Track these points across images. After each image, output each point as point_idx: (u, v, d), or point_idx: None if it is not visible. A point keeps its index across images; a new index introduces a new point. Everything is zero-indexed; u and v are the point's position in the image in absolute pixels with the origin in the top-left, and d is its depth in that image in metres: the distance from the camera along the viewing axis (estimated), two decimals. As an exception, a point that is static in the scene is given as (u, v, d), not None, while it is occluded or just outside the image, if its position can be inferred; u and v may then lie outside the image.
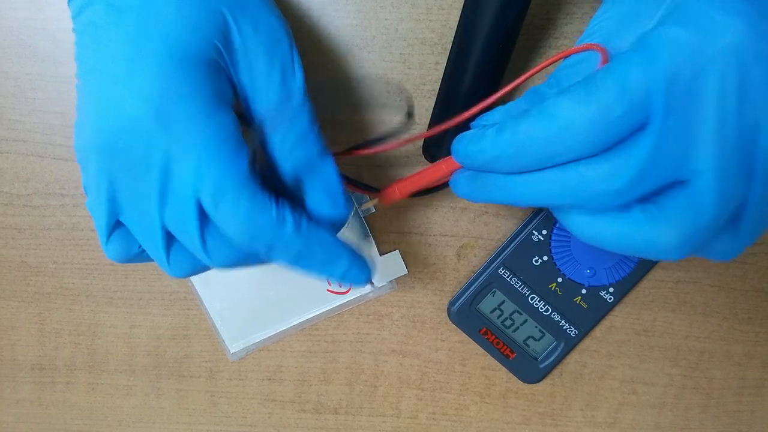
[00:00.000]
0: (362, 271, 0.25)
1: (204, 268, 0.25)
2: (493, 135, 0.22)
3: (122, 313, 0.36)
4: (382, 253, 0.35)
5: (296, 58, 0.26)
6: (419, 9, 0.32)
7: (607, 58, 0.22)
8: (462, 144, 0.24)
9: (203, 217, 0.23)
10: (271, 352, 0.37)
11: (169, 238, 0.24)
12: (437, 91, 0.32)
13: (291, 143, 0.25)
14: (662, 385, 0.36)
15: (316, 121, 0.26)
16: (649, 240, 0.21)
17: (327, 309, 0.35)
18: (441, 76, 0.32)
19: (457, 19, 0.30)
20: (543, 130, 0.20)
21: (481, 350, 0.35)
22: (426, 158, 0.33)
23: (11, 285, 0.36)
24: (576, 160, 0.21)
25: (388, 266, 0.35)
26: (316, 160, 0.25)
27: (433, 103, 0.32)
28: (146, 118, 0.22)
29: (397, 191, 0.28)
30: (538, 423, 0.37)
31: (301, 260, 0.24)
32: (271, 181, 0.26)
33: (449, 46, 0.31)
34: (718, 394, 0.36)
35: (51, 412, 0.38)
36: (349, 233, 0.34)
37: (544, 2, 0.31)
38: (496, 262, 0.34)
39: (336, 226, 0.26)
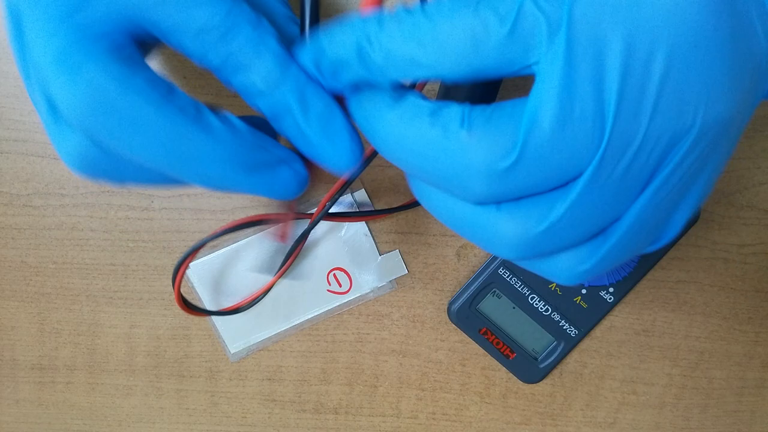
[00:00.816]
0: (291, 178, 0.19)
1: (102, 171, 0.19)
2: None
3: (122, 313, 0.36)
4: (382, 253, 0.35)
5: None
6: (419, 9, 0.32)
7: None
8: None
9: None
10: (271, 352, 0.37)
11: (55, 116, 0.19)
12: (437, 90, 0.32)
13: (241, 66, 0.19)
14: (662, 385, 0.36)
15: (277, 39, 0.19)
16: (489, 227, 0.18)
17: (327, 309, 0.35)
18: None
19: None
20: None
21: (481, 350, 0.35)
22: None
23: (11, 285, 0.36)
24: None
25: (388, 266, 0.35)
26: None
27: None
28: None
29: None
30: (538, 423, 0.37)
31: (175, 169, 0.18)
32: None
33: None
34: (718, 394, 0.36)
35: (51, 412, 0.38)
36: (348, 234, 0.34)
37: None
38: (496, 261, 0.34)
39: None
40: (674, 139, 0.16)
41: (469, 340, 0.35)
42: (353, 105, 0.19)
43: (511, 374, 0.35)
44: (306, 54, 0.19)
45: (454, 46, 0.16)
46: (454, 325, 0.35)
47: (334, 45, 0.18)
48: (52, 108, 0.18)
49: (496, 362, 0.35)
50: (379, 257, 0.34)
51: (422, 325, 0.36)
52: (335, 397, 0.37)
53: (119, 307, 0.36)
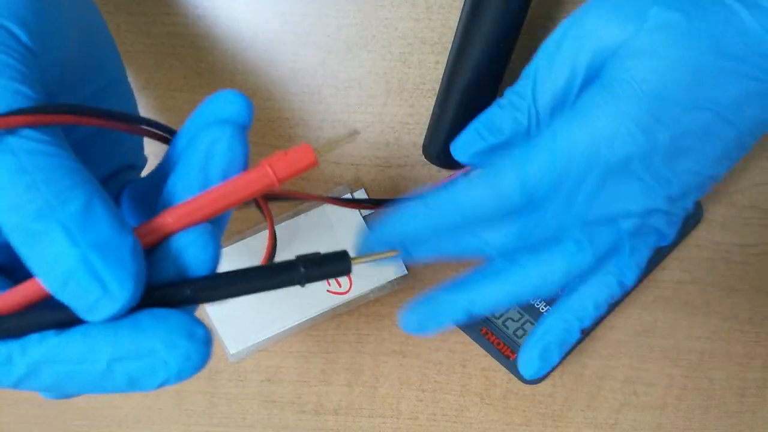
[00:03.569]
0: (154, 365, 0.16)
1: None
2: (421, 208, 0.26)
3: (121, 313, 0.36)
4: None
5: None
6: (419, 8, 0.32)
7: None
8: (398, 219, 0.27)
9: None
10: (270, 352, 0.36)
11: None
12: (437, 90, 0.32)
13: None
14: (663, 386, 0.36)
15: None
16: (523, 288, 0.26)
17: (327, 309, 0.35)
18: (441, 76, 0.31)
19: (457, 19, 0.30)
20: (452, 210, 0.26)
21: (481, 351, 0.35)
22: (426, 158, 0.33)
23: (10, 285, 0.36)
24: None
25: (388, 267, 0.35)
26: (30, 226, 0.16)
27: (433, 103, 0.32)
28: None
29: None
30: (538, 424, 0.36)
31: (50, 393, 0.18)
32: None
33: (449, 46, 0.31)
34: (720, 394, 0.36)
35: (50, 413, 0.38)
36: (347, 234, 0.34)
37: (545, 1, 0.31)
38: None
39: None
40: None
41: (470, 341, 0.35)
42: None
43: (511, 375, 0.35)
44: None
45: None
46: (454, 326, 0.35)
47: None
48: None
49: (496, 363, 0.35)
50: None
51: (422, 325, 0.36)
52: (335, 397, 0.37)
53: (118, 308, 0.36)
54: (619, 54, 0.24)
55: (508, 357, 0.34)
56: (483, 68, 0.29)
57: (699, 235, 0.34)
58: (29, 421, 0.38)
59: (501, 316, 0.34)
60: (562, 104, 0.26)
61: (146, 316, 0.16)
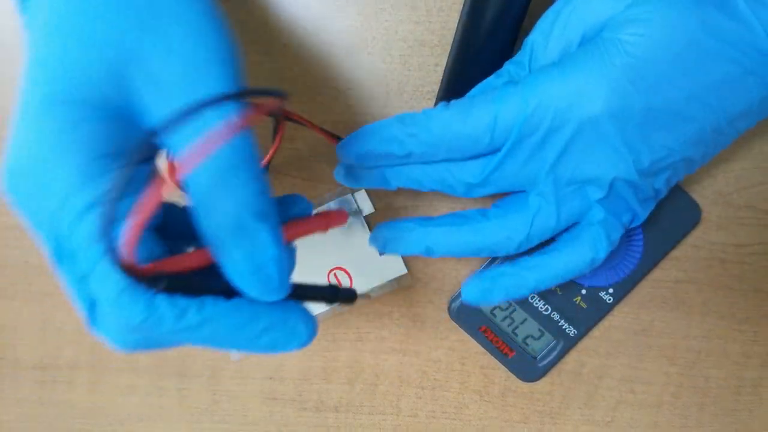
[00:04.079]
0: (289, 337, 0.21)
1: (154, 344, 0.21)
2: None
3: (124, 312, 0.37)
4: (382, 253, 0.35)
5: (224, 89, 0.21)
6: (419, 11, 0.32)
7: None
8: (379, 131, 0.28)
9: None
10: (271, 351, 0.37)
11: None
12: (437, 92, 0.32)
13: (210, 197, 0.19)
14: (660, 384, 0.36)
15: (259, 172, 0.20)
16: (486, 240, 0.28)
17: (327, 308, 0.35)
18: (440, 78, 0.32)
19: (457, 21, 0.30)
20: (426, 136, 0.26)
21: (480, 349, 0.36)
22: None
23: (14, 285, 0.37)
24: (448, 160, 0.28)
25: (388, 266, 0.35)
26: (247, 223, 0.20)
27: (433, 105, 0.32)
28: (26, 171, 0.19)
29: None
30: (536, 421, 0.37)
31: (199, 342, 0.20)
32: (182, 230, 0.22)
33: (449, 48, 0.31)
34: (716, 393, 0.36)
35: (53, 412, 0.38)
36: (348, 234, 0.34)
37: (543, 4, 0.32)
38: (497, 261, 0.34)
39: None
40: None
41: (469, 339, 0.35)
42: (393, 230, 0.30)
43: (510, 373, 0.35)
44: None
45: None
46: (453, 324, 0.35)
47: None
48: (93, 310, 0.20)
49: (495, 361, 0.36)
50: (379, 257, 0.35)
51: (422, 324, 0.36)
52: (336, 395, 0.37)
53: (121, 307, 0.37)
54: (612, 20, 0.24)
55: (506, 355, 0.35)
56: (482, 71, 0.29)
57: (696, 235, 0.34)
58: (31, 421, 0.39)
59: (500, 314, 0.35)
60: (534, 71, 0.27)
61: (290, 303, 0.21)
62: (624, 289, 0.34)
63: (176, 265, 0.19)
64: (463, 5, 0.29)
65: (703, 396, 0.36)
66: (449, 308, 0.35)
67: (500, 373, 0.36)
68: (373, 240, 0.31)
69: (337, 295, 0.24)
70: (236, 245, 0.19)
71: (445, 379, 0.37)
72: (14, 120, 0.20)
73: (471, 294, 0.29)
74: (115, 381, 0.38)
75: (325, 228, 0.27)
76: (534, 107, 0.25)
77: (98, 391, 0.38)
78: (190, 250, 0.22)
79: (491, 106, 0.25)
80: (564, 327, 0.34)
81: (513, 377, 0.36)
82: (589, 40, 0.25)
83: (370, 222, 0.35)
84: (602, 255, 0.28)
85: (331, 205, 0.34)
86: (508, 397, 0.37)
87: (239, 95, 0.20)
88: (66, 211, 0.19)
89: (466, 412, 0.37)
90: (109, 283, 0.19)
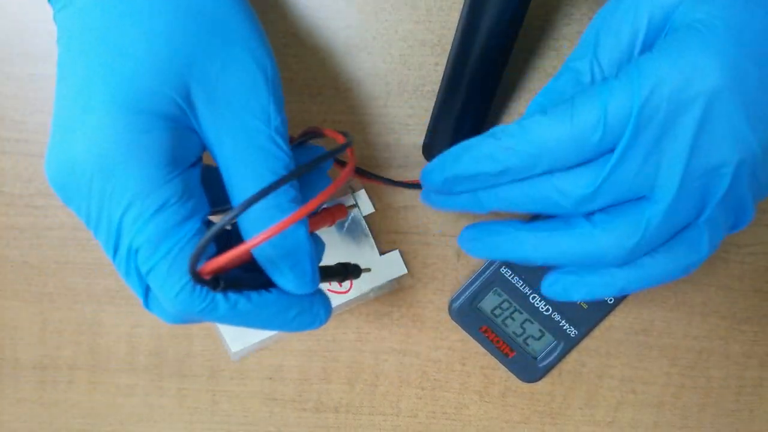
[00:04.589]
0: (312, 320, 0.25)
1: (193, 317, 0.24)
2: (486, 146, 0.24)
3: (124, 312, 0.37)
4: (382, 253, 0.35)
5: (273, 108, 0.23)
6: (419, 10, 0.32)
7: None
8: (455, 153, 0.25)
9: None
10: (271, 351, 0.37)
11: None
12: (437, 91, 0.32)
13: (257, 211, 0.23)
14: (661, 384, 0.36)
15: (296, 187, 0.24)
16: (590, 247, 0.24)
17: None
18: (441, 77, 0.32)
19: (457, 21, 0.30)
20: (525, 147, 0.23)
21: (480, 349, 0.35)
22: (426, 159, 0.33)
23: (13, 285, 0.37)
24: (549, 172, 0.23)
25: (388, 266, 0.35)
26: (292, 249, 0.23)
27: (433, 104, 0.32)
28: (93, 170, 0.21)
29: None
30: (537, 422, 0.37)
31: (243, 324, 0.24)
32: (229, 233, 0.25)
33: (449, 48, 0.31)
34: (717, 393, 0.36)
35: (52, 412, 0.38)
36: (348, 234, 0.34)
37: (543, 3, 0.32)
38: (497, 260, 0.34)
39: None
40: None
41: (469, 339, 0.35)
42: (480, 234, 0.27)
43: (510, 373, 0.35)
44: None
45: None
46: (454, 324, 0.35)
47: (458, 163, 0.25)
48: (146, 293, 0.23)
49: (495, 361, 0.36)
50: (379, 257, 0.35)
51: (422, 324, 0.36)
52: (336, 395, 0.37)
53: (121, 307, 0.37)
54: (686, 3, 0.22)
55: (506, 355, 0.35)
56: (482, 69, 0.29)
57: (696, 234, 0.34)
58: (31, 421, 0.39)
59: (501, 315, 0.35)
60: (628, 62, 0.23)
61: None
62: None
63: (225, 261, 0.21)
64: (464, 4, 0.29)
65: (704, 396, 0.36)
66: (450, 308, 0.35)
67: (500, 373, 0.36)
68: (462, 241, 0.28)
69: (348, 271, 0.29)
70: (285, 264, 0.23)
71: (446, 380, 0.36)
72: (63, 117, 0.22)
73: (551, 289, 0.26)
74: (115, 381, 0.38)
75: (331, 222, 0.29)
76: (649, 90, 0.21)
77: (98, 391, 0.38)
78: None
79: (596, 99, 0.22)
80: (564, 327, 0.34)
81: (513, 377, 0.36)
82: (670, 26, 0.23)
83: (370, 222, 0.34)
84: (699, 262, 0.24)
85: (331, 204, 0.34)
86: (509, 397, 0.36)
87: (308, 167, 0.22)
88: (131, 213, 0.21)
89: (466, 412, 0.37)
90: (172, 280, 0.22)
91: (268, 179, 0.22)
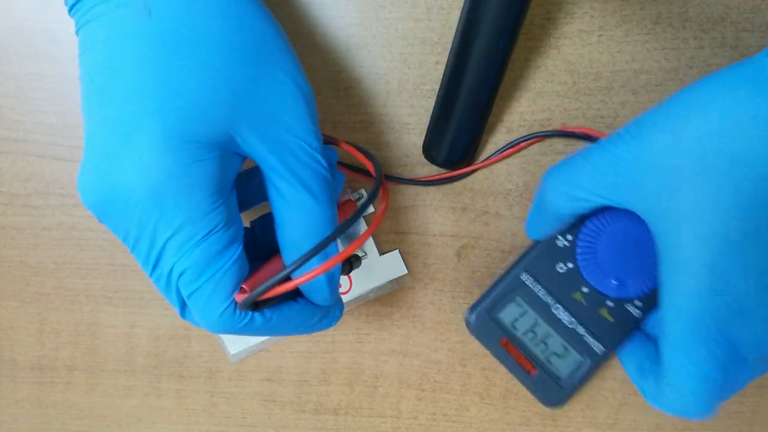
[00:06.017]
0: (331, 321, 0.28)
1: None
2: None
3: (122, 313, 0.36)
4: (382, 253, 0.35)
5: (311, 126, 0.25)
6: (419, 8, 0.32)
7: None
8: None
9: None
10: (270, 352, 0.36)
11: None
12: (437, 90, 0.32)
13: (296, 231, 0.25)
14: (663, 386, 0.36)
15: (335, 211, 0.26)
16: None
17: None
18: (441, 76, 0.32)
19: (457, 19, 0.30)
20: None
21: (481, 350, 0.35)
22: (426, 158, 0.33)
23: (10, 285, 0.36)
24: None
25: (388, 266, 0.35)
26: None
27: (433, 103, 0.32)
28: (141, 194, 0.22)
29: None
30: (538, 424, 0.36)
31: (273, 333, 0.27)
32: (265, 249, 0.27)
33: (449, 46, 0.31)
34: (719, 394, 0.36)
35: (50, 413, 0.38)
36: (348, 233, 0.34)
37: (545, 2, 0.31)
38: (518, 266, 0.31)
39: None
40: None
41: (471, 339, 0.35)
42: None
43: (510, 374, 0.35)
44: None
45: None
46: (454, 325, 0.35)
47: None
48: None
49: (496, 362, 0.35)
50: (379, 257, 0.34)
51: (422, 325, 0.36)
52: (335, 397, 0.37)
53: (119, 308, 0.36)
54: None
55: (529, 373, 0.32)
56: (482, 69, 0.29)
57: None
58: (29, 422, 0.38)
59: (521, 327, 0.32)
60: None
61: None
62: (653, 301, 0.30)
63: (276, 293, 0.24)
64: (464, 2, 0.29)
65: (707, 398, 0.36)
66: (467, 320, 0.32)
67: (501, 374, 0.36)
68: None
69: (351, 265, 0.32)
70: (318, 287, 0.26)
71: (446, 381, 0.36)
72: (105, 139, 0.22)
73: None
74: (113, 382, 0.37)
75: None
76: None
77: (96, 392, 0.38)
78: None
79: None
80: (589, 342, 0.31)
81: (514, 379, 0.35)
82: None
83: (370, 222, 0.34)
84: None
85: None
86: (510, 399, 0.36)
87: (351, 221, 0.25)
88: (177, 238, 0.22)
89: (466, 414, 0.36)
90: (215, 302, 0.23)
91: (313, 192, 0.25)
